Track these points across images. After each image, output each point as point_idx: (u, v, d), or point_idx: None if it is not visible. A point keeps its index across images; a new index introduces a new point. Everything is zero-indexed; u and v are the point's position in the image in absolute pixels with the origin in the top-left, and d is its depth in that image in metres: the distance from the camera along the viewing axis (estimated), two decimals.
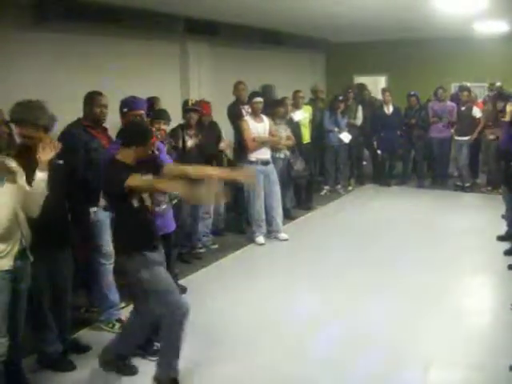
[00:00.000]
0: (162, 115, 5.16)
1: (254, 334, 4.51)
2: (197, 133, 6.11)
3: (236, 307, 5.04)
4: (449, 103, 9.77)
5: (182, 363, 3.71)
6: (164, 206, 4.05)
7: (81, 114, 4.53)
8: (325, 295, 5.27)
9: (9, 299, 3.20)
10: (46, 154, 3.28)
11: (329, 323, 4.67)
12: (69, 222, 4.04)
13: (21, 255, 3.26)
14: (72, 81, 6.46)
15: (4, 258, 3.14)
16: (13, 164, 3.21)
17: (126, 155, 3.53)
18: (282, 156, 7.41)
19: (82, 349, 4.23)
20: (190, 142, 5.98)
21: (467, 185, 9.72)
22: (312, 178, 8.73)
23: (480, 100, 10.14)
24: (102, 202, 4.33)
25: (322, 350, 4.23)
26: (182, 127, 6.04)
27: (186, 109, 6.08)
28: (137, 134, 3.56)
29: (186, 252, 6.23)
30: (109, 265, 4.51)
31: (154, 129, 4.15)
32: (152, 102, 7.08)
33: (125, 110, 3.95)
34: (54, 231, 3.70)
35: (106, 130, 4.60)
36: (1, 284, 3.14)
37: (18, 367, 3.57)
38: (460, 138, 9.55)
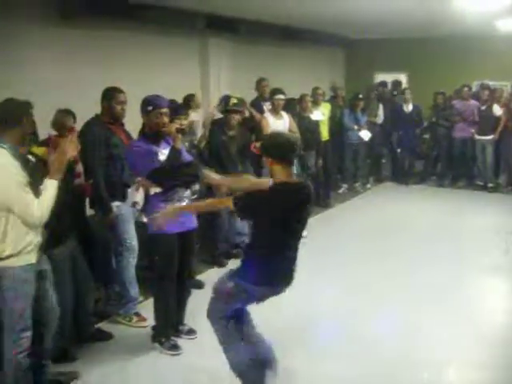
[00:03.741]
0: (181, 111, 5.16)
1: (269, 328, 4.50)
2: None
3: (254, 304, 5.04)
4: (472, 102, 9.66)
5: (197, 358, 3.72)
6: (185, 203, 4.06)
7: (99, 109, 4.55)
8: (340, 293, 5.25)
9: (35, 293, 3.24)
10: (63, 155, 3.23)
11: (343, 321, 4.67)
12: (81, 213, 4.12)
13: (41, 249, 3.30)
14: (93, 76, 6.51)
15: (32, 251, 3.18)
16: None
17: None
18: None
19: (104, 338, 4.32)
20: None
21: (491, 185, 9.61)
22: (329, 174, 8.70)
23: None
24: (130, 198, 4.37)
25: (335, 347, 4.24)
26: (219, 124, 6.01)
27: (227, 109, 5.97)
28: None
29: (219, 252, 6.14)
30: (132, 259, 4.54)
31: (176, 125, 4.14)
32: (188, 99, 7.13)
33: (149, 108, 3.93)
34: (63, 223, 3.73)
35: (123, 125, 4.63)
36: (28, 276, 3.18)
37: (42, 364, 3.55)
38: (482, 138, 9.45)
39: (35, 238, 3.19)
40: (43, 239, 3.29)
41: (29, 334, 3.25)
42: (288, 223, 3.27)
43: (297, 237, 3.43)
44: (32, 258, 3.18)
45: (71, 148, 3.26)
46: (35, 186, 3.14)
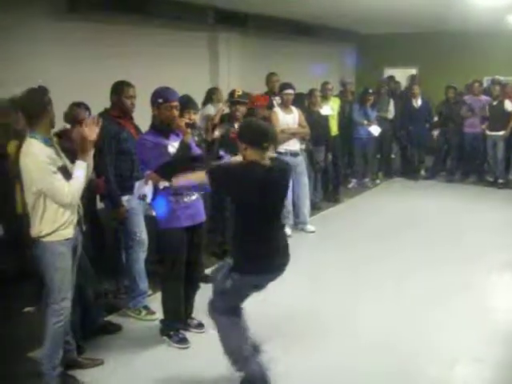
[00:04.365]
0: (191, 104, 5.15)
1: (280, 325, 4.52)
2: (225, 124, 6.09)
3: (261, 298, 5.04)
4: (483, 97, 9.60)
5: (205, 352, 3.74)
6: (194, 197, 4.07)
7: (109, 103, 4.54)
8: (350, 289, 5.26)
9: (72, 266, 3.45)
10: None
11: (354, 317, 4.67)
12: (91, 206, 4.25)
13: (78, 224, 3.52)
14: (102, 69, 6.52)
15: (68, 227, 3.38)
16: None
17: None
18: (303, 147, 7.32)
19: (113, 330, 4.37)
20: (216, 133, 5.93)
21: (501, 181, 9.56)
22: (338, 169, 8.68)
23: None
24: (137, 191, 4.38)
25: (347, 344, 4.23)
26: (228, 118, 6.00)
27: (232, 101, 5.96)
28: None
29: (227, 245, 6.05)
30: (141, 252, 4.56)
31: (186, 120, 4.14)
32: (212, 92, 7.08)
33: (160, 100, 3.93)
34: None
35: (132, 119, 4.62)
36: (65, 251, 3.39)
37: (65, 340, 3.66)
38: (494, 134, 9.38)
39: (71, 216, 3.40)
40: (79, 215, 3.51)
41: (69, 304, 3.44)
42: (261, 204, 3.30)
43: (273, 220, 3.48)
44: (68, 234, 3.39)
45: (90, 131, 3.40)
46: (66, 170, 3.35)
